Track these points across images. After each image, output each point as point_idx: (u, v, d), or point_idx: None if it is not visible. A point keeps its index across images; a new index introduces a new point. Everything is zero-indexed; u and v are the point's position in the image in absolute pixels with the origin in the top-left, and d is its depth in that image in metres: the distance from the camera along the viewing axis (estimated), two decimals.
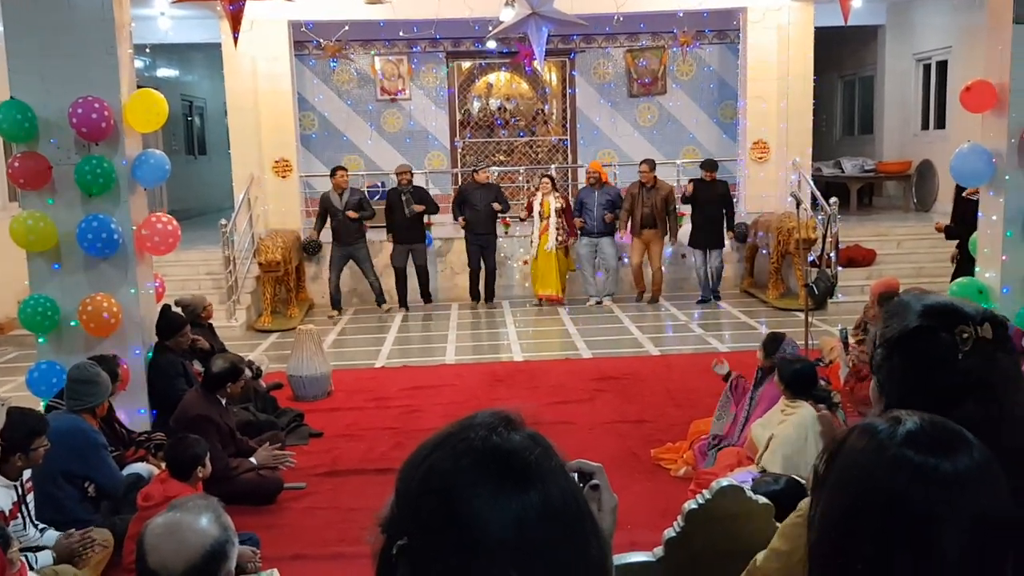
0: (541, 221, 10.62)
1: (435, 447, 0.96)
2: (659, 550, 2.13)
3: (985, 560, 1.04)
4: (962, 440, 1.09)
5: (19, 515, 4.04)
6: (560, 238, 10.62)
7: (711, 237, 10.76)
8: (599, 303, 10.88)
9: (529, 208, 10.83)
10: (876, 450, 1.07)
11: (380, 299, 10.85)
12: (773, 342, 5.22)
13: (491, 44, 13.13)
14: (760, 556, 1.54)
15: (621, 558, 2.10)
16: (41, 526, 4.19)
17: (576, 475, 1.30)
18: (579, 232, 10.88)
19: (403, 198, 10.59)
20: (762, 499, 2.08)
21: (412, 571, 0.90)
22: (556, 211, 10.56)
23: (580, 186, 12.53)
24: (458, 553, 0.88)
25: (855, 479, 1.08)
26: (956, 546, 1.03)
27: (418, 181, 12.11)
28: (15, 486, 4.02)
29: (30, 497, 4.16)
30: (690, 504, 2.13)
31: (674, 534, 2.12)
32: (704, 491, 2.15)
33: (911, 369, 1.39)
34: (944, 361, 1.36)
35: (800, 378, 4.50)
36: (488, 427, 0.96)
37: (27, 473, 4.12)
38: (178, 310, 6.52)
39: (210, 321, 7.29)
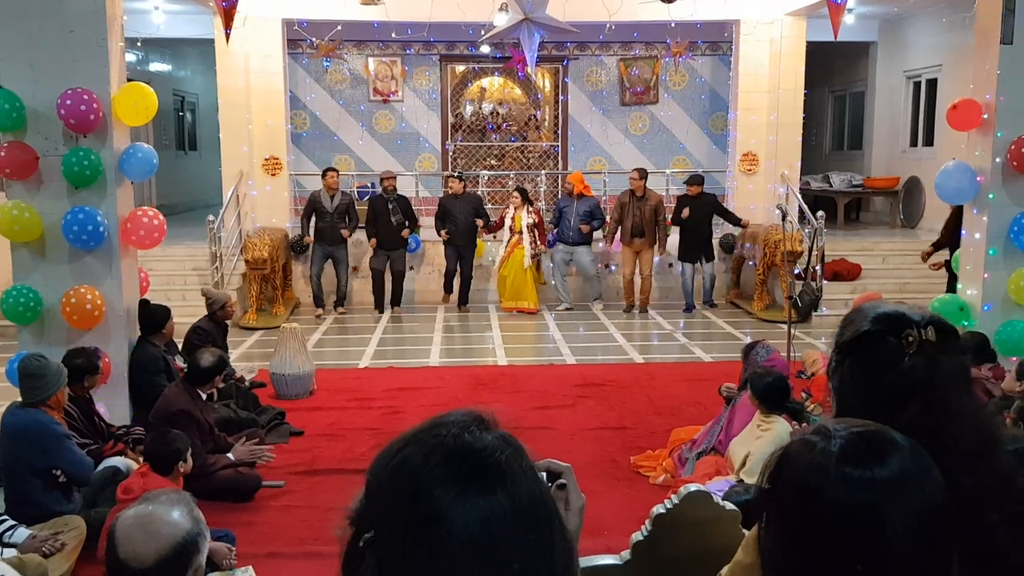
0: (513, 235, 10.68)
1: (406, 442, 0.96)
2: (626, 554, 2.14)
3: (933, 552, 1.08)
4: (891, 443, 1.14)
5: None
6: (533, 253, 10.72)
7: (700, 250, 10.81)
8: (569, 309, 10.95)
9: (500, 222, 10.89)
10: (818, 471, 1.11)
11: (340, 302, 10.93)
12: (749, 349, 5.28)
13: (485, 48, 13.17)
14: (725, 570, 1.56)
15: (589, 560, 2.11)
16: (10, 523, 4.15)
17: (545, 475, 1.32)
18: (553, 240, 11.04)
19: (389, 207, 10.64)
20: (729, 505, 2.10)
21: (378, 564, 0.90)
22: (528, 226, 10.65)
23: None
24: (423, 549, 0.88)
25: (802, 499, 1.12)
26: (905, 543, 1.07)
27: (409, 183, 12.15)
28: None
29: None
30: (658, 508, 2.15)
31: (641, 538, 2.13)
32: (672, 496, 2.17)
33: (860, 372, 1.43)
34: (891, 364, 1.40)
35: (772, 391, 4.53)
36: (460, 425, 0.96)
37: None
38: (165, 302, 6.50)
39: (227, 321, 7.23)
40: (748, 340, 9.20)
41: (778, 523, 1.15)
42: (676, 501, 2.12)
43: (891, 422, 1.35)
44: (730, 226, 11.62)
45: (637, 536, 2.16)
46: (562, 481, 1.29)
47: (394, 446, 0.96)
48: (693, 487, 2.16)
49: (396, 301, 11.02)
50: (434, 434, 0.95)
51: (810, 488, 1.11)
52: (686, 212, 10.61)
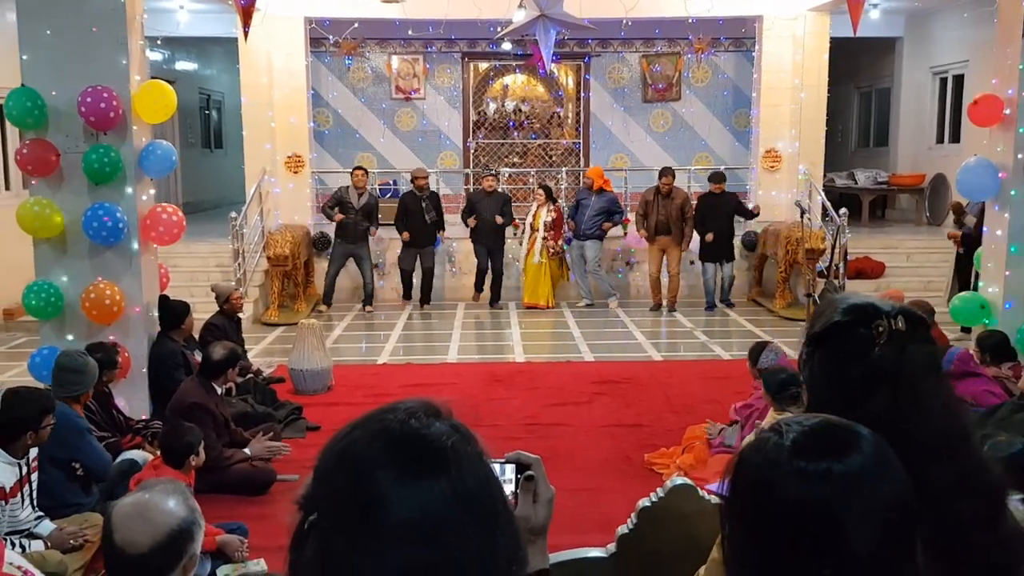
0: (532, 233, 10.75)
1: (354, 427, 0.96)
2: (612, 546, 2.15)
3: (895, 547, 1.06)
4: (849, 436, 1.12)
5: (20, 494, 4.08)
6: (552, 250, 10.71)
7: (721, 250, 10.74)
8: (590, 305, 10.94)
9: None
10: (771, 467, 1.10)
11: (368, 300, 10.90)
12: (756, 351, 5.30)
13: (506, 46, 13.18)
14: (702, 571, 1.57)
15: (576, 553, 2.12)
16: (38, 514, 4.23)
17: (514, 466, 1.32)
18: (571, 237, 11.05)
19: (423, 204, 10.65)
20: (714, 499, 2.10)
21: (320, 546, 0.90)
22: (545, 224, 10.65)
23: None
24: (363, 530, 0.88)
25: (758, 499, 1.10)
26: (866, 539, 1.05)
27: (430, 180, 12.15)
28: (19, 464, 4.06)
29: (34, 476, 4.20)
30: (643, 502, 2.15)
31: (627, 531, 2.14)
32: (658, 489, 2.17)
33: (830, 363, 1.42)
34: (860, 354, 1.39)
35: (786, 387, 4.51)
36: (408, 412, 0.96)
37: (33, 452, 4.16)
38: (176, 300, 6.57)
39: (239, 315, 7.29)
40: (768, 338, 9.20)
41: (737, 522, 1.14)
42: (662, 494, 2.13)
43: (860, 412, 1.34)
44: (752, 223, 11.53)
45: (623, 529, 2.16)
46: (530, 473, 1.30)
47: (343, 431, 0.97)
48: (679, 480, 2.16)
49: (426, 299, 11.03)
50: (380, 419, 0.95)
51: (764, 484, 1.09)
52: (710, 237, 10.58)
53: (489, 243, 10.81)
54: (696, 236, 10.91)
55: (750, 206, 11.03)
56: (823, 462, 1.07)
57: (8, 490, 3.96)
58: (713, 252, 10.74)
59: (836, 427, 1.14)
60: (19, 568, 3.43)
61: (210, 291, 7.50)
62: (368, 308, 10.89)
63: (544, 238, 10.66)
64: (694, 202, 10.98)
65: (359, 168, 10.91)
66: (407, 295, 11.05)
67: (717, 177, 10.78)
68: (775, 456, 1.10)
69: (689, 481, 2.19)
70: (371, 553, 0.88)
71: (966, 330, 7.63)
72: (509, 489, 1.31)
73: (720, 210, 10.61)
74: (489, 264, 10.93)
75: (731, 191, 11.06)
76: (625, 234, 11.30)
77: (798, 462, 1.08)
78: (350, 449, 0.93)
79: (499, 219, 10.76)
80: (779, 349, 5.52)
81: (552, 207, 10.86)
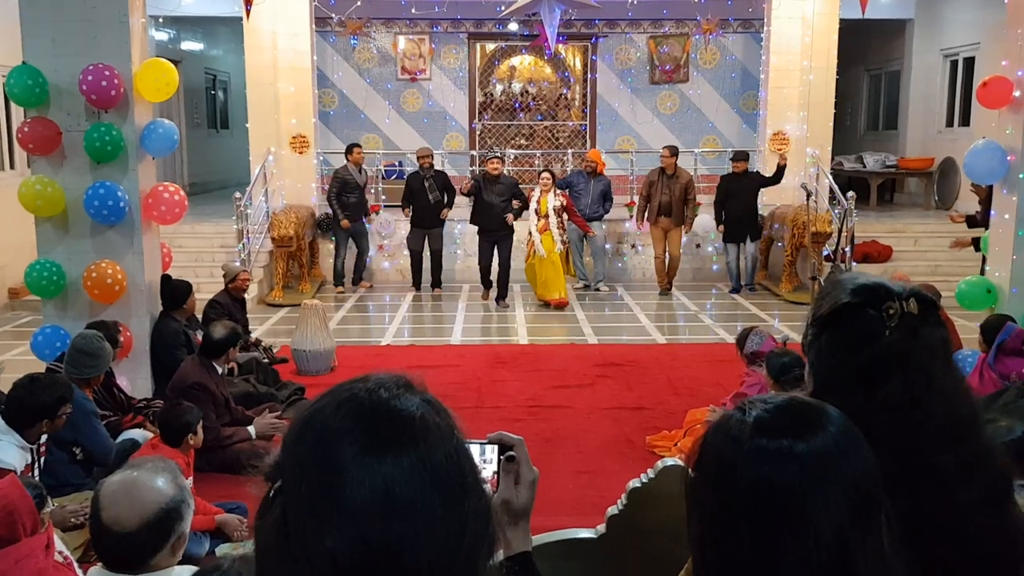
0: (539, 220, 9.80)
1: (324, 396, 0.94)
2: (601, 527, 2.13)
3: (859, 528, 1.04)
4: (815, 416, 1.09)
5: (29, 476, 4.10)
6: (564, 239, 9.91)
7: (746, 230, 10.65)
8: (588, 287, 10.85)
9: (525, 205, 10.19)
10: (733, 445, 1.07)
11: (340, 280, 10.76)
12: (742, 337, 5.43)
13: (513, 26, 13.09)
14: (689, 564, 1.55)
15: (563, 534, 2.10)
16: (42, 491, 4.24)
17: (497, 447, 1.30)
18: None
19: (426, 184, 10.47)
20: None
21: (282, 513, 0.88)
22: (555, 209, 9.78)
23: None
24: (325, 499, 0.86)
25: (720, 478, 1.08)
26: (830, 520, 1.02)
27: (436, 161, 12.09)
28: (31, 449, 4.08)
29: (42, 460, 4.22)
30: (633, 483, 2.14)
31: (616, 512, 2.12)
32: (648, 470, 2.15)
33: (838, 346, 1.37)
34: (870, 337, 1.34)
35: (787, 371, 4.48)
36: (379, 383, 0.94)
37: (44, 436, 4.18)
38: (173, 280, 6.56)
39: (244, 296, 7.33)
40: (777, 323, 9.17)
41: (701, 500, 1.11)
42: (652, 475, 2.11)
43: (870, 397, 1.30)
44: (759, 206, 11.42)
45: (612, 510, 2.15)
46: (511, 453, 1.28)
47: (314, 400, 0.95)
48: (670, 461, 2.14)
49: (437, 282, 10.77)
50: (350, 388, 0.93)
51: (726, 462, 1.07)
52: (721, 228, 10.49)
53: (495, 235, 9.97)
54: (709, 219, 10.84)
55: (778, 169, 10.52)
56: (784, 441, 1.05)
57: (19, 473, 3.98)
58: (738, 231, 10.64)
59: (801, 406, 1.11)
60: (60, 553, 3.44)
61: (219, 270, 7.52)
62: (364, 284, 10.80)
63: (557, 226, 9.82)
64: (699, 184, 10.90)
65: (356, 145, 10.83)
66: (416, 283, 10.80)
67: (740, 155, 10.65)
68: (737, 433, 1.08)
69: (680, 462, 2.17)
70: (332, 523, 0.85)
71: None
72: (491, 470, 1.29)
73: (743, 189, 10.51)
74: (496, 256, 10.13)
75: (752, 171, 10.94)
76: (631, 217, 11.19)
77: (759, 440, 1.06)
78: (316, 417, 0.91)
79: (510, 218, 9.87)
80: (764, 332, 5.51)
81: (559, 192, 10.15)
